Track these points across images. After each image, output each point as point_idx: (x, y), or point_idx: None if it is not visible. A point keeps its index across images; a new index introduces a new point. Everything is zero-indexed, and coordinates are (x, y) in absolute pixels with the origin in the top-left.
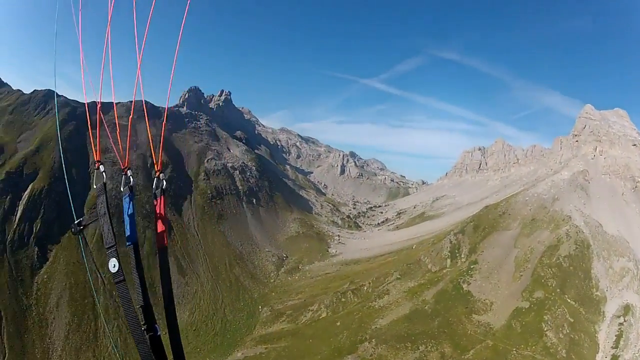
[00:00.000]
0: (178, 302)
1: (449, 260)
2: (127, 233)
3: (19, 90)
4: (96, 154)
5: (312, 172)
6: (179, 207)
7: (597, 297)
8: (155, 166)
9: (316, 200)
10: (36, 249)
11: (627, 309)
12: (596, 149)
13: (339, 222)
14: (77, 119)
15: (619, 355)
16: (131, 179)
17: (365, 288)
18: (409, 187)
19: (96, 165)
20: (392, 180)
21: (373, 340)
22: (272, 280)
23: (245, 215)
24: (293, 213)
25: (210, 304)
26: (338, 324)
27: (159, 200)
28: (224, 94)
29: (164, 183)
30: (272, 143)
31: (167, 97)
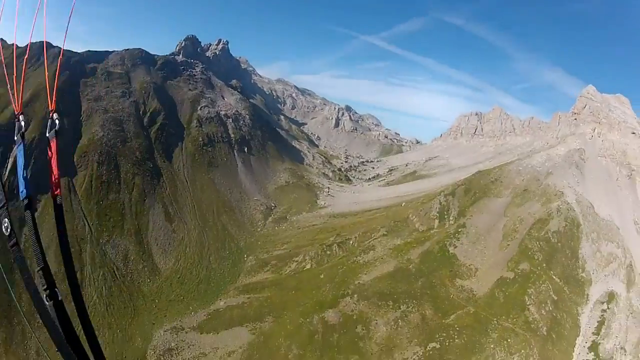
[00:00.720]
0: (164, 250)
1: (437, 221)
2: (20, 187)
3: (14, 44)
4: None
5: (306, 124)
6: (170, 153)
7: (582, 279)
8: (49, 105)
9: (308, 152)
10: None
11: (611, 297)
12: (594, 130)
13: (330, 174)
14: (71, 68)
15: (599, 343)
16: (22, 125)
17: (351, 242)
18: (403, 145)
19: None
20: (386, 137)
21: (355, 295)
22: (258, 230)
23: (235, 164)
24: (284, 163)
25: (196, 251)
26: (322, 276)
27: (51, 144)
28: (221, 43)
29: (57, 124)
30: (267, 93)
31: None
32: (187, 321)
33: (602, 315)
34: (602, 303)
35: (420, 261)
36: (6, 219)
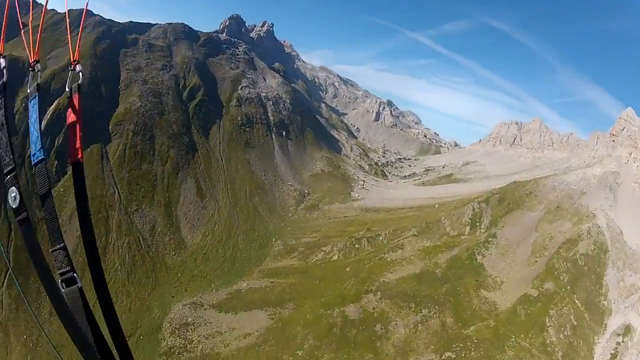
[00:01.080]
0: (192, 225)
1: (468, 228)
2: (33, 149)
3: (53, 9)
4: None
5: (346, 114)
6: (207, 130)
7: (603, 307)
8: (71, 56)
9: (347, 142)
10: (56, 162)
11: (627, 330)
12: (631, 154)
13: (366, 167)
14: (112, 37)
15: None
16: (39, 75)
17: (381, 238)
18: (441, 146)
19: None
20: (425, 136)
21: (378, 293)
22: (289, 215)
23: (272, 147)
24: (322, 151)
25: (224, 230)
26: (347, 269)
27: (74, 99)
28: (266, 25)
29: (81, 77)
30: (310, 79)
31: None
32: (207, 298)
33: (616, 348)
34: (618, 335)
35: (447, 266)
36: (14, 188)
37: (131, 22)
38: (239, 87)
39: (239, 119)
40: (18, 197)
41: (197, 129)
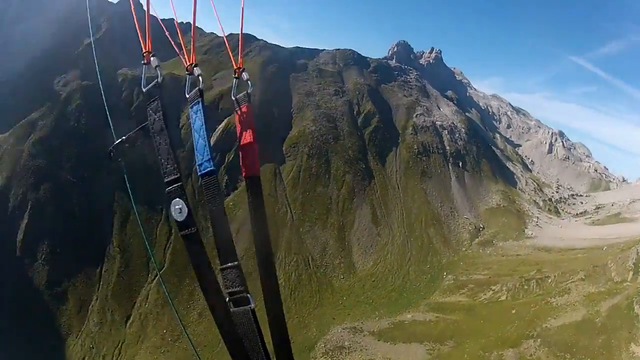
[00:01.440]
0: (364, 251)
1: (631, 273)
2: (199, 159)
3: (212, 32)
4: (144, 45)
5: (520, 145)
6: (383, 157)
7: None
8: (233, 61)
9: (522, 176)
10: (226, 177)
11: None
12: None
13: (540, 203)
14: (280, 62)
15: None
16: (200, 80)
17: (550, 281)
18: (610, 182)
19: (146, 58)
20: (596, 171)
21: (539, 339)
22: (463, 249)
23: (449, 177)
24: (497, 184)
25: (396, 259)
26: (513, 311)
27: (241, 110)
28: (434, 52)
29: (250, 85)
30: (483, 108)
31: None
32: (369, 325)
33: None
34: None
35: (607, 315)
36: (180, 200)
37: (298, 47)
38: (414, 115)
39: (415, 147)
40: (185, 210)
41: (373, 156)
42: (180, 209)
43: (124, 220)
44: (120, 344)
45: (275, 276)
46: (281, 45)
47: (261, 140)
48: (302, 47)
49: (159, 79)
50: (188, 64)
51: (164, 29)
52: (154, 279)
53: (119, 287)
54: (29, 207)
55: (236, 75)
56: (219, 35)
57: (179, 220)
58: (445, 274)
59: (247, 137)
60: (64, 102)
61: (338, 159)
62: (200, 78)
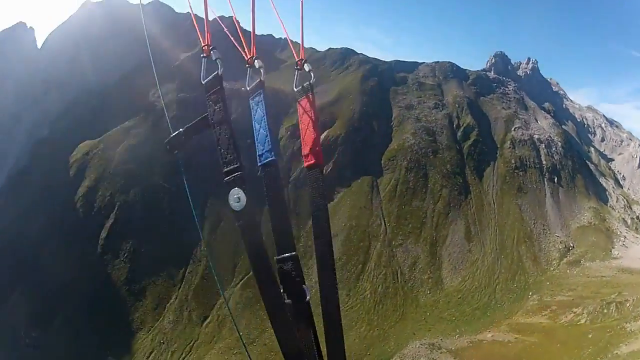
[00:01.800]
0: (454, 267)
1: None
2: (260, 150)
3: (311, 47)
4: (204, 40)
5: (613, 160)
6: (481, 172)
7: None
8: (295, 55)
9: (613, 192)
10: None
11: None
12: None
13: (629, 221)
14: (379, 75)
15: None
16: (262, 72)
17: (628, 305)
18: None
19: (205, 52)
20: None
21: None
22: (551, 269)
23: (544, 193)
24: (590, 201)
25: (485, 276)
26: (590, 336)
27: (305, 100)
28: (530, 62)
29: (312, 76)
30: (578, 120)
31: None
32: (447, 342)
33: None
34: None
35: None
36: (239, 189)
37: (397, 60)
38: (512, 129)
39: (513, 162)
40: (244, 200)
41: (470, 170)
42: (238, 198)
43: (214, 226)
44: (192, 342)
45: (333, 269)
46: (381, 59)
47: (360, 153)
48: (401, 61)
49: (220, 71)
50: (248, 56)
51: (223, 26)
52: (239, 282)
53: (201, 289)
54: (116, 208)
55: (298, 67)
56: (318, 50)
57: (236, 210)
58: (530, 293)
59: (309, 126)
60: (159, 112)
61: (436, 173)
62: (261, 70)
